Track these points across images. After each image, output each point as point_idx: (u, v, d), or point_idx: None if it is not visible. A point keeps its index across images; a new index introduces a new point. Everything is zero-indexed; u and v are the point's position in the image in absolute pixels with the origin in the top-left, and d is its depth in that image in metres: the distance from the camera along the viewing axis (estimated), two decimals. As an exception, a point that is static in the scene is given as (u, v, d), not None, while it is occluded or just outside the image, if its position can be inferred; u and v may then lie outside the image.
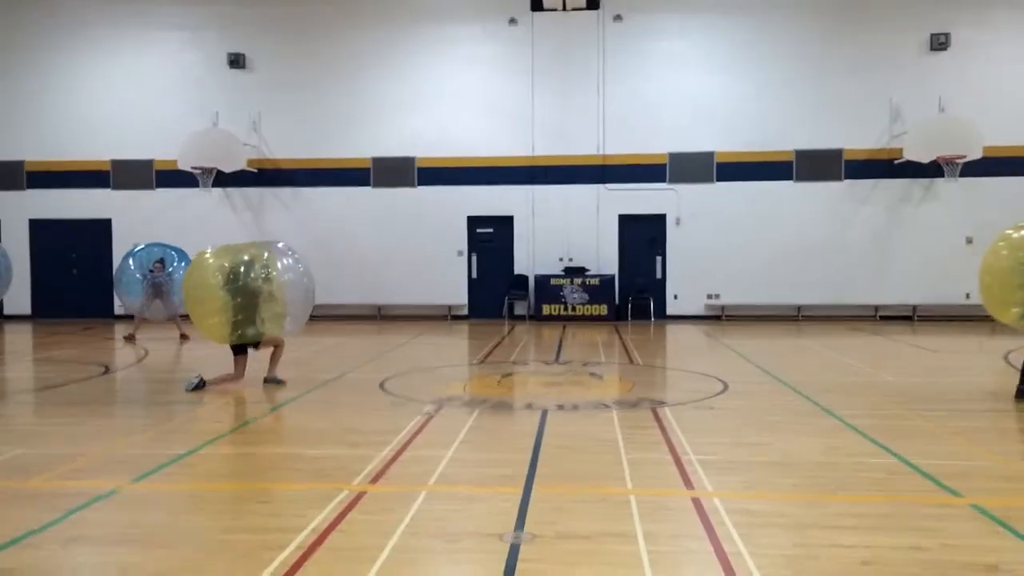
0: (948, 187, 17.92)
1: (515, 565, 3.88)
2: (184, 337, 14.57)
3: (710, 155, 18.64)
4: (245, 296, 8.92)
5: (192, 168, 18.39)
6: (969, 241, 17.77)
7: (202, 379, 8.99)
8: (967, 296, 17.70)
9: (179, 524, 4.58)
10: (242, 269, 8.96)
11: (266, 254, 9.20)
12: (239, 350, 9.28)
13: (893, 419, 7.42)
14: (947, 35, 18.05)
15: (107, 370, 11.16)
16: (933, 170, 17.75)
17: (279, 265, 9.27)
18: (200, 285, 8.99)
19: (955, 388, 9.52)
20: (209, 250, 9.19)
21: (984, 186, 17.81)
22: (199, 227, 18.73)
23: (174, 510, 4.89)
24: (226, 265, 8.97)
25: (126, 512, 4.84)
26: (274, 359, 9.48)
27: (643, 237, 18.96)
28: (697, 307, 18.83)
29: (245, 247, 9.43)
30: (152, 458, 5.96)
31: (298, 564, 3.88)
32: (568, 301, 18.50)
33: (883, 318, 18.23)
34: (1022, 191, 17.66)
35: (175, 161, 18.42)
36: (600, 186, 18.82)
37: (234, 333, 8.99)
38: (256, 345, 9.29)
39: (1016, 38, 18.15)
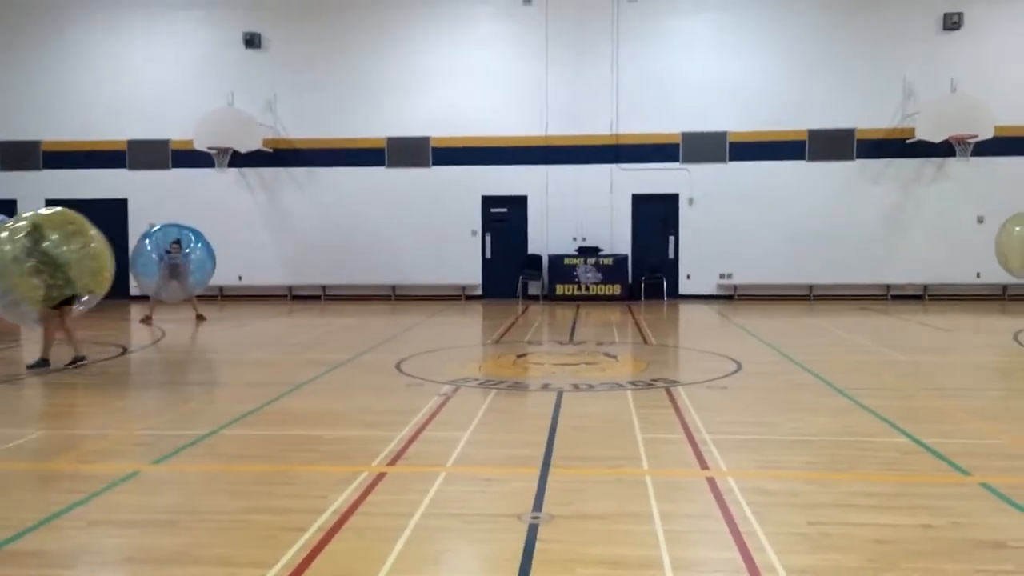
0: (959, 167, 17.83)
1: (534, 544, 3.95)
2: (200, 318, 14.70)
3: (723, 135, 18.58)
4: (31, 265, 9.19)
5: (208, 148, 18.47)
6: (980, 220, 17.69)
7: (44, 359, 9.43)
8: (978, 275, 17.69)
9: (200, 505, 4.66)
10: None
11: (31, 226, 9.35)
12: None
13: (904, 398, 7.47)
14: (960, 15, 17.88)
15: (125, 351, 11.30)
16: (944, 150, 17.65)
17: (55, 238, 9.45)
18: None
19: (965, 367, 9.55)
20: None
21: (995, 166, 17.71)
22: (215, 207, 18.94)
23: (195, 491, 4.98)
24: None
25: (148, 494, 4.93)
26: (61, 336, 9.71)
27: (656, 217, 18.95)
28: (710, 287, 18.83)
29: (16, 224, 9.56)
30: (172, 440, 6.07)
31: (321, 545, 3.97)
32: (582, 281, 18.54)
33: (895, 297, 18.20)
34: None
35: (191, 141, 18.49)
36: (613, 166, 18.80)
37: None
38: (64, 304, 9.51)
39: (1028, 16, 17.98)
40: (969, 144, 17.30)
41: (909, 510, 4.39)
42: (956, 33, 17.95)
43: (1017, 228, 15.19)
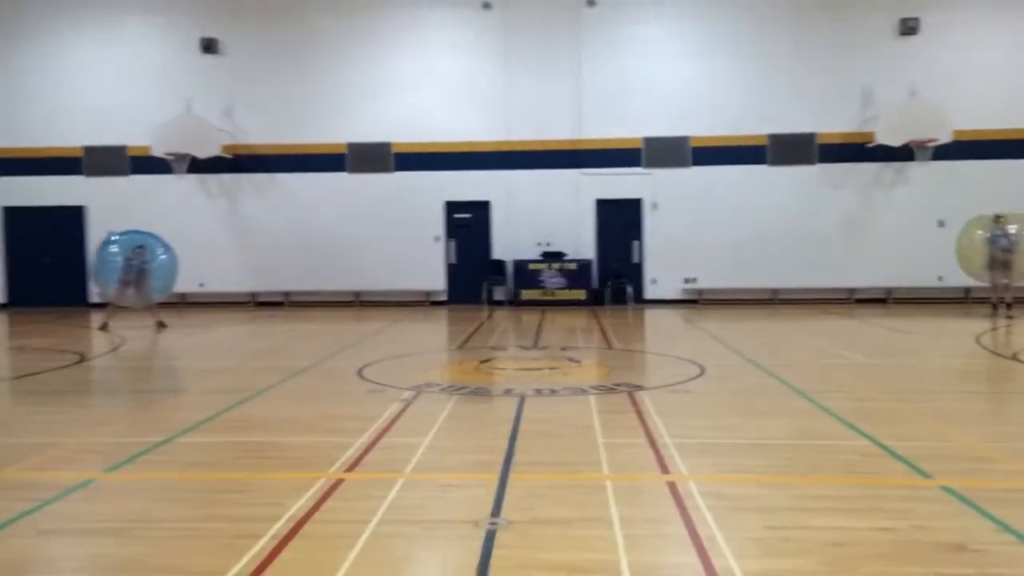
0: (919, 170, 18.08)
1: (491, 551, 3.90)
2: (161, 325, 14.45)
3: (685, 139, 18.68)
4: None
5: (166, 154, 18.21)
6: (941, 224, 17.93)
7: None
8: (940, 278, 17.94)
9: (153, 514, 4.56)
10: None
11: None
12: None
13: (865, 401, 7.51)
14: (917, 20, 18.13)
15: (83, 358, 11.06)
16: (904, 154, 17.90)
17: None
18: None
19: (926, 370, 9.66)
20: None
21: (955, 169, 17.99)
22: (174, 214, 18.64)
23: (148, 500, 4.87)
24: None
25: (100, 503, 4.82)
26: None
27: (620, 221, 19.00)
28: (674, 291, 18.90)
29: None
30: (127, 447, 5.94)
31: (274, 553, 3.89)
32: (547, 286, 18.54)
33: (858, 301, 18.40)
34: (991, 174, 17.84)
35: (148, 147, 18.23)
36: (576, 171, 18.82)
37: None
38: None
39: (984, 22, 18.23)
40: (928, 148, 17.56)
41: (869, 513, 4.39)
42: (913, 38, 18.20)
43: (979, 231, 15.42)
